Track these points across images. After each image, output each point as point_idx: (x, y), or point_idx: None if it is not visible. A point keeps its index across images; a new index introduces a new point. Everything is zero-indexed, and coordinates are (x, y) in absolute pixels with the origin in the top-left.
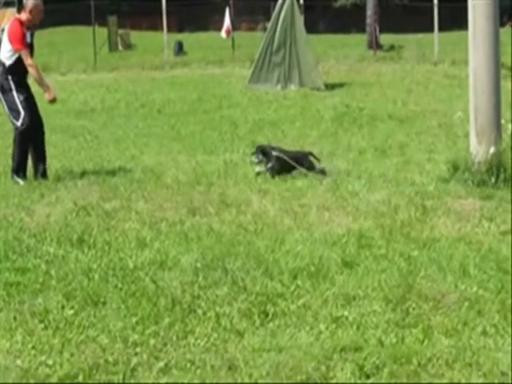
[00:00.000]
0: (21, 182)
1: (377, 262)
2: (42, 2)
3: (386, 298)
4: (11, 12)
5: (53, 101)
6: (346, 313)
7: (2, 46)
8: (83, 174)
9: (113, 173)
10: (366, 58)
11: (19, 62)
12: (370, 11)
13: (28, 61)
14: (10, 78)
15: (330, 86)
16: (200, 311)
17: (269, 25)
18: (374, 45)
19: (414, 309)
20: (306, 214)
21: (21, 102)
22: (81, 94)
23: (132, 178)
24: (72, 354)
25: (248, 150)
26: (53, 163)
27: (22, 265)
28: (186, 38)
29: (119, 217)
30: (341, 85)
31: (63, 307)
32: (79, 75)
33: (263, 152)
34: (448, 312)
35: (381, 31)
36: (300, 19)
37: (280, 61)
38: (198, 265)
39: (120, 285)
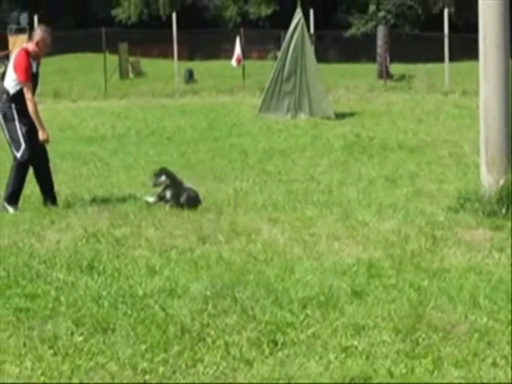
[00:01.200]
0: (11, 209)
1: (387, 291)
2: (51, 34)
3: (395, 328)
4: (23, 39)
5: (45, 141)
6: (355, 343)
7: (8, 73)
8: (93, 200)
9: (123, 200)
10: (376, 87)
11: (23, 91)
12: (380, 41)
13: (28, 95)
14: (13, 106)
15: (340, 115)
16: (209, 339)
17: (279, 53)
18: (385, 74)
19: (423, 339)
20: (316, 243)
21: (23, 135)
22: (91, 121)
23: (142, 205)
24: (81, 381)
25: (258, 178)
26: (63, 190)
27: (31, 291)
28: (197, 65)
29: (129, 244)
30: (351, 114)
31: (73, 333)
32: (90, 102)
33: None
34: (458, 343)
35: (391, 61)
36: (310, 48)
37: (290, 89)
38: (208, 293)
39: (129, 312)
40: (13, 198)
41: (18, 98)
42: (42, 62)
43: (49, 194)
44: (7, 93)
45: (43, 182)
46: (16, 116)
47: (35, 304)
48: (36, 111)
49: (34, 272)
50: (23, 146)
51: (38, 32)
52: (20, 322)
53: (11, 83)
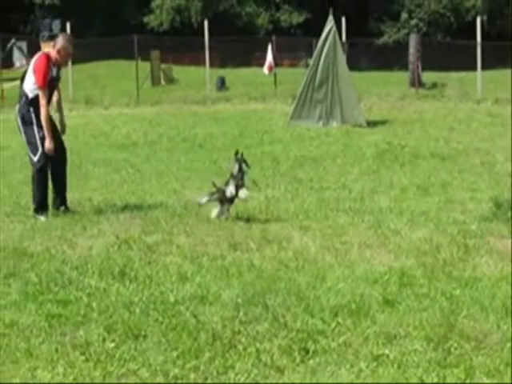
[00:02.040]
0: (42, 218)
1: (418, 300)
2: (73, 44)
3: (427, 337)
4: None
5: (49, 151)
6: (386, 351)
7: (27, 76)
8: (125, 207)
9: (155, 206)
10: (408, 95)
11: None
12: (412, 49)
13: (42, 101)
14: (31, 110)
15: (372, 124)
16: (240, 347)
17: (311, 61)
18: (417, 82)
19: (455, 348)
20: (348, 251)
21: (40, 139)
22: (123, 128)
23: (174, 212)
24: None
25: (289, 186)
26: (95, 196)
27: (63, 297)
28: (228, 73)
29: (160, 250)
30: (383, 122)
31: (104, 340)
32: (122, 109)
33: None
34: (490, 352)
35: (423, 69)
36: (342, 56)
37: (322, 97)
38: (239, 300)
39: (161, 318)
40: (41, 208)
41: (37, 102)
42: (74, 69)
43: (62, 196)
44: (26, 96)
45: (57, 183)
46: (34, 120)
47: (67, 310)
48: (47, 118)
49: (66, 278)
50: (40, 150)
51: (60, 40)
52: (52, 328)
53: (30, 86)
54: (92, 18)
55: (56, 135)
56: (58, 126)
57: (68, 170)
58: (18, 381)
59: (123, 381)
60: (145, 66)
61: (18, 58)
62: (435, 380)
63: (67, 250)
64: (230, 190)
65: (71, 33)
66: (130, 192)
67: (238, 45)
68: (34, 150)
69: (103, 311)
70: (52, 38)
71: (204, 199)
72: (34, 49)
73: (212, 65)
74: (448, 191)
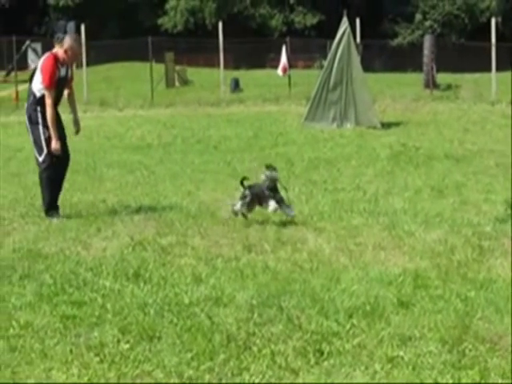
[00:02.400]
0: (55, 220)
1: (433, 302)
2: (80, 43)
3: (442, 339)
4: None
5: (55, 151)
6: (401, 353)
7: (35, 76)
8: (140, 208)
9: (169, 208)
10: (422, 97)
11: None
12: (427, 50)
13: (48, 100)
14: (38, 109)
15: (386, 125)
16: (255, 348)
17: (325, 63)
18: (431, 84)
19: (470, 350)
20: (362, 252)
21: (45, 139)
22: (138, 130)
23: (188, 214)
24: None
25: (304, 187)
26: (109, 198)
27: (78, 298)
28: (243, 75)
29: (175, 252)
30: (397, 124)
31: (119, 341)
32: (136, 111)
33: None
34: (505, 354)
35: (438, 70)
36: (357, 57)
37: (336, 99)
38: (254, 302)
39: (175, 320)
40: (51, 208)
41: (44, 102)
42: (88, 71)
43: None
44: (34, 95)
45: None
46: (40, 119)
47: (82, 311)
48: (53, 118)
49: (81, 279)
50: (45, 151)
51: (67, 40)
52: (67, 329)
53: (38, 86)
54: (106, 19)
55: (62, 137)
56: (72, 127)
57: (82, 171)
58: (32, 381)
59: (138, 382)
60: (159, 68)
61: (32, 60)
62: (450, 382)
63: (82, 252)
64: (273, 206)
65: (86, 35)
66: (145, 194)
67: (252, 46)
68: (40, 151)
69: (118, 312)
70: None
71: (238, 205)
72: (48, 50)
73: (226, 66)
74: (462, 193)
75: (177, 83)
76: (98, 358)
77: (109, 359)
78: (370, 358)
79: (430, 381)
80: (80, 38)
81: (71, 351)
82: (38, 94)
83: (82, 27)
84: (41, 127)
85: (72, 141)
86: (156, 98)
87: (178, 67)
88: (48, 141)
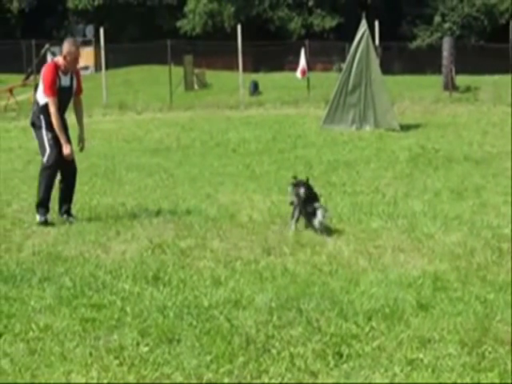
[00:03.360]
0: (38, 218)
1: (452, 304)
2: (78, 47)
3: (461, 342)
4: (88, 51)
5: (67, 157)
6: (421, 355)
7: (40, 84)
8: (159, 212)
9: (188, 211)
10: (441, 99)
11: None
12: (446, 52)
13: (52, 109)
14: (41, 117)
15: (405, 127)
16: (274, 351)
17: (344, 65)
18: (450, 86)
19: (490, 352)
20: (381, 255)
21: (48, 140)
22: (156, 133)
23: (207, 217)
24: None
25: (323, 190)
26: (129, 201)
27: (97, 301)
28: (261, 78)
29: (194, 255)
30: (416, 126)
31: (138, 344)
32: (155, 114)
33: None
34: None
35: (457, 72)
36: (376, 60)
37: (355, 101)
38: (273, 304)
39: (195, 323)
40: (41, 206)
41: (47, 109)
42: (107, 75)
43: (67, 205)
44: (37, 103)
45: (65, 192)
46: (43, 124)
47: (101, 314)
48: (60, 126)
49: (100, 282)
50: (48, 151)
51: (66, 45)
52: (86, 332)
53: (41, 94)
54: (125, 23)
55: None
56: (76, 143)
57: (101, 174)
58: None
59: None
60: (178, 71)
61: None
62: None
63: (101, 255)
64: (320, 220)
65: (104, 38)
66: (163, 197)
67: (270, 49)
68: (43, 152)
69: (137, 315)
70: (86, 43)
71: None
72: None
73: (245, 69)
74: (482, 195)
75: (196, 86)
76: (117, 361)
77: (128, 362)
78: (389, 360)
79: (450, 383)
80: (77, 42)
81: (91, 354)
82: (41, 102)
83: (101, 31)
84: (43, 130)
85: (91, 144)
86: (175, 101)
87: (196, 70)
88: (52, 141)
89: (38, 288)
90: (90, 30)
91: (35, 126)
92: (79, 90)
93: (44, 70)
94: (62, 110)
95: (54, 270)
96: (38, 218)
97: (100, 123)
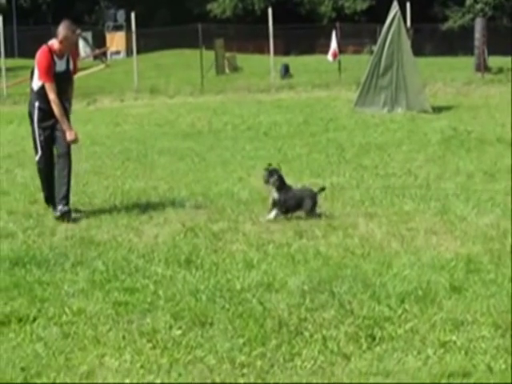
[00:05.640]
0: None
1: (486, 286)
2: (75, 32)
3: (495, 324)
4: (120, 36)
5: (73, 142)
6: (454, 338)
7: (35, 71)
8: (191, 195)
9: (220, 194)
10: (473, 80)
11: (45, 88)
12: (478, 33)
13: (51, 95)
14: (36, 104)
15: (437, 109)
16: (307, 334)
17: (375, 48)
18: (482, 67)
19: None
20: (414, 237)
21: (40, 142)
22: (188, 117)
23: (239, 200)
24: (180, 374)
25: (355, 173)
26: (161, 185)
27: (130, 285)
28: (292, 60)
29: (226, 238)
30: (448, 108)
31: (171, 327)
32: (186, 98)
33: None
34: None
35: (489, 54)
36: (407, 42)
37: (387, 84)
38: (305, 287)
39: (227, 306)
40: (48, 202)
41: (41, 95)
42: (139, 59)
43: (59, 197)
44: (32, 90)
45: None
46: (36, 118)
47: (134, 298)
48: (61, 112)
49: (133, 266)
50: (40, 153)
51: (61, 30)
52: (119, 315)
53: (36, 81)
54: (156, 7)
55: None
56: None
57: (134, 158)
58: (85, 368)
59: (190, 368)
60: (209, 55)
61: (83, 49)
62: (503, 366)
63: (133, 239)
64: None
65: (136, 22)
66: (196, 180)
67: (301, 32)
68: (35, 151)
69: (170, 299)
70: (117, 28)
71: (272, 214)
72: (99, 39)
73: (276, 52)
74: None
75: (227, 70)
76: (150, 344)
77: (161, 345)
78: (422, 342)
79: (483, 366)
80: (75, 27)
81: (124, 337)
82: (35, 88)
83: (132, 15)
84: (36, 128)
85: (123, 129)
86: (206, 85)
87: (227, 54)
88: (43, 143)
89: (71, 272)
90: (121, 15)
91: (31, 118)
92: (74, 70)
93: (38, 54)
94: (60, 95)
95: (87, 254)
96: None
97: (131, 108)
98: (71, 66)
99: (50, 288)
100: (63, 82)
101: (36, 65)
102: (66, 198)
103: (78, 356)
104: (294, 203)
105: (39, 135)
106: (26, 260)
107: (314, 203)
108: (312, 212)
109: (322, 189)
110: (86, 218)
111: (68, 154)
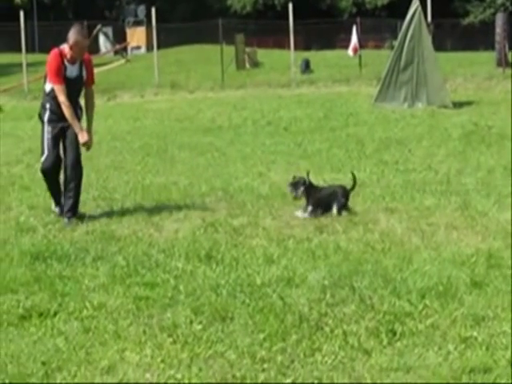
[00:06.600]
0: (55, 210)
1: (506, 282)
2: (85, 36)
3: None
4: (140, 31)
5: (85, 145)
6: (475, 333)
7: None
8: (211, 190)
9: (240, 189)
10: (494, 75)
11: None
12: (499, 28)
13: (60, 98)
14: (47, 106)
15: (458, 104)
16: (327, 329)
17: (396, 43)
18: (503, 62)
19: None
20: (434, 233)
21: (47, 140)
22: (208, 112)
23: (259, 195)
24: (200, 369)
25: (375, 168)
26: (181, 180)
27: (150, 279)
28: (313, 56)
29: (247, 233)
30: (469, 103)
31: (191, 322)
32: (207, 93)
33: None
34: None
35: (510, 48)
36: (428, 37)
37: (407, 79)
38: (326, 282)
39: (248, 301)
40: (55, 200)
41: (52, 98)
42: (159, 54)
43: (68, 204)
44: (44, 92)
45: (65, 187)
46: (46, 118)
47: (154, 293)
48: (71, 115)
49: (154, 261)
50: (46, 153)
51: (72, 35)
52: (140, 310)
53: (47, 83)
54: (176, 2)
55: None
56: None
57: (154, 153)
58: (106, 362)
59: (210, 363)
60: (229, 50)
61: (103, 44)
62: None
63: (154, 234)
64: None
65: (156, 18)
66: (216, 175)
67: (322, 27)
68: (42, 152)
69: (190, 294)
70: (138, 23)
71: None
72: (119, 34)
73: (296, 48)
74: None
75: (247, 65)
76: (171, 339)
77: (182, 340)
78: (443, 338)
79: (504, 361)
80: (85, 31)
81: (144, 332)
82: (46, 91)
83: (153, 10)
84: (46, 126)
85: (143, 124)
86: (226, 80)
87: (248, 49)
88: (51, 141)
89: (91, 267)
90: (141, 10)
91: (41, 119)
92: (91, 80)
93: (48, 57)
94: (70, 102)
95: (108, 249)
96: (54, 210)
97: (152, 103)
98: (84, 74)
99: (71, 283)
100: (74, 88)
101: (46, 67)
102: (71, 211)
103: (99, 350)
104: (325, 202)
105: (47, 133)
106: (47, 255)
107: (347, 199)
108: (344, 208)
109: (353, 187)
110: (106, 213)
111: (76, 166)
